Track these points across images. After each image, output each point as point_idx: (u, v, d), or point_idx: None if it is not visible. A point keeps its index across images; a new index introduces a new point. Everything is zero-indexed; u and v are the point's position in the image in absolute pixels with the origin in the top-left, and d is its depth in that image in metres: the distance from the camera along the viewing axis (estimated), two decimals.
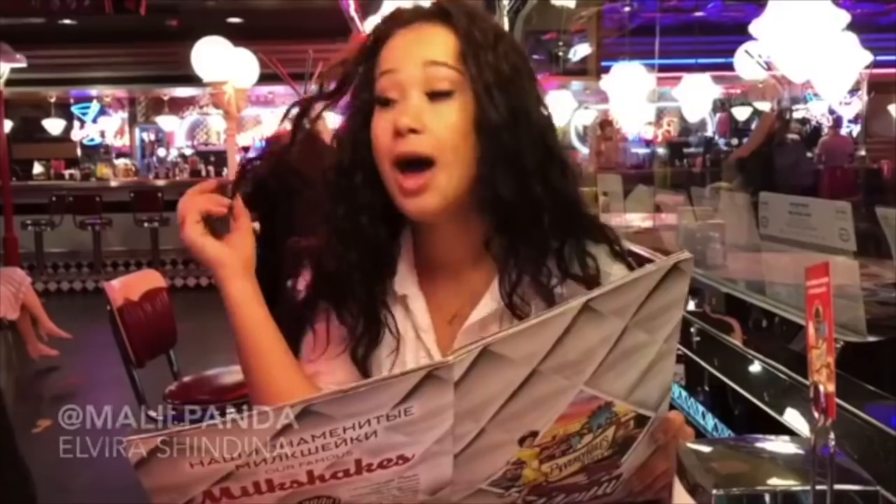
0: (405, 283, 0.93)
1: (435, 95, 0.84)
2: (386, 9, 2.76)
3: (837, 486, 0.62)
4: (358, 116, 0.88)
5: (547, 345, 0.60)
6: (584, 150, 10.02)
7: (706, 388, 1.89)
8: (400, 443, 0.58)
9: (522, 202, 0.86)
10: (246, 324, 0.89)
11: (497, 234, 0.89)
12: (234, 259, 0.89)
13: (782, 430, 1.37)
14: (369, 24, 2.81)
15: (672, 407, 0.75)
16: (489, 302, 0.90)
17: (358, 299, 0.91)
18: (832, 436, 0.59)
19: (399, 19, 0.89)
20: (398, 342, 0.92)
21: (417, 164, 0.84)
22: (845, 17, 2.90)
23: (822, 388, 0.59)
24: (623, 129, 9.27)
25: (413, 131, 0.83)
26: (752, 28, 3.00)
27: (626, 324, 0.63)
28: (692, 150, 9.82)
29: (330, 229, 0.92)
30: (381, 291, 0.93)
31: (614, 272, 0.92)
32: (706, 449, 0.86)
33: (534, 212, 0.87)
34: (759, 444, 0.93)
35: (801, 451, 0.81)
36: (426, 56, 0.85)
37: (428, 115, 0.84)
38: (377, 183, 0.88)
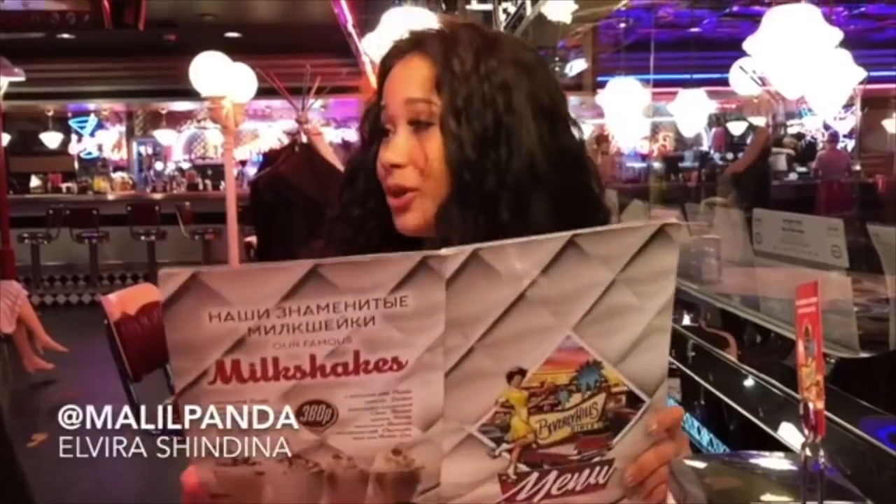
0: None
1: (416, 126, 0.86)
2: (384, 25, 2.78)
3: (828, 502, 0.63)
4: (370, 145, 0.92)
5: (534, 269, 0.63)
6: None
7: (702, 403, 1.89)
8: (395, 340, 0.62)
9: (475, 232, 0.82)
10: None
11: None
12: None
13: (777, 445, 1.37)
14: (367, 41, 2.83)
15: None
16: None
17: None
18: (822, 452, 0.60)
19: (395, 52, 0.91)
20: None
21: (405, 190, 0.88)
22: (838, 34, 2.93)
23: (811, 405, 0.60)
24: (618, 144, 9.32)
25: (395, 166, 0.86)
26: (747, 45, 3.02)
27: (614, 277, 0.66)
28: (687, 164, 9.85)
29: (337, 245, 0.93)
30: None
31: None
32: (700, 465, 0.87)
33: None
34: (752, 461, 0.94)
35: (793, 468, 0.82)
36: (406, 93, 0.87)
37: (412, 146, 0.86)
38: (379, 201, 0.91)
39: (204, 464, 0.66)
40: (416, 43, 0.89)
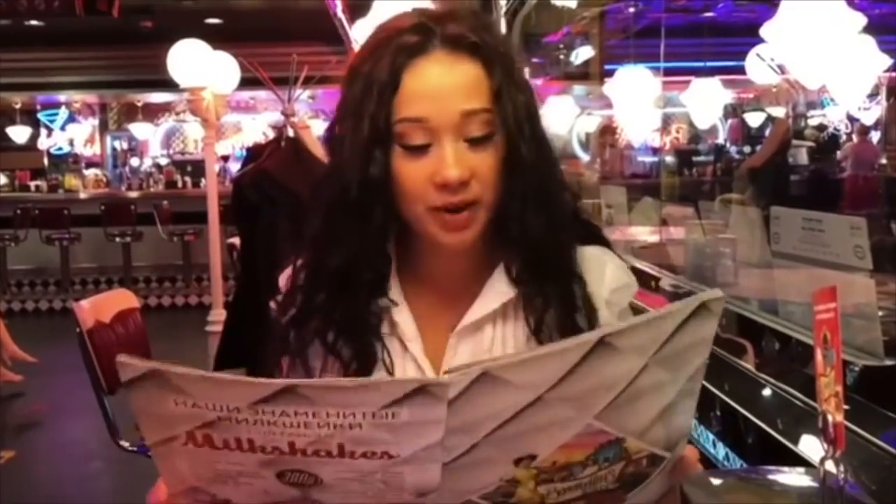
0: (392, 303, 0.97)
1: (473, 141, 0.88)
2: (375, 11, 2.78)
3: None
4: (362, 148, 0.89)
5: (555, 375, 0.61)
6: (585, 159, 10.07)
7: (717, 415, 1.90)
8: (385, 440, 0.60)
9: (551, 238, 0.93)
10: None
11: (520, 266, 0.95)
12: None
13: (797, 459, 1.38)
14: (358, 28, 2.83)
15: None
16: (484, 304, 0.95)
17: (346, 320, 0.94)
18: (842, 467, 0.60)
19: (416, 48, 0.89)
20: (387, 358, 0.95)
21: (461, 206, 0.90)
22: (861, 19, 2.93)
23: (830, 417, 0.61)
24: (626, 136, 9.32)
25: (463, 184, 0.88)
26: (764, 31, 3.02)
27: (647, 361, 0.64)
28: (702, 158, 9.86)
29: (319, 248, 0.94)
30: (372, 313, 0.96)
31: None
32: (716, 481, 0.87)
33: (560, 246, 0.94)
34: (769, 476, 0.94)
35: (813, 484, 0.82)
36: (463, 106, 0.87)
37: (470, 160, 0.88)
38: (387, 212, 0.92)
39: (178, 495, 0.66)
40: (463, 44, 0.89)
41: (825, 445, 0.62)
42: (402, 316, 0.96)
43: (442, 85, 0.88)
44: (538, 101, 0.95)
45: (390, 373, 0.93)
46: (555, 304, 0.93)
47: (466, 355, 0.93)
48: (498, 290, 0.95)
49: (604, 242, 1.02)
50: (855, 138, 9.70)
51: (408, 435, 0.60)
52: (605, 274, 0.97)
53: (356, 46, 5.75)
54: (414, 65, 0.88)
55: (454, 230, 0.90)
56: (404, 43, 0.89)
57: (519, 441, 0.63)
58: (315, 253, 0.96)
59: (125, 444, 2.93)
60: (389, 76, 0.88)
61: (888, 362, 1.41)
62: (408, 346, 0.95)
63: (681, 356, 0.66)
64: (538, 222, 0.92)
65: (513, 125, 0.89)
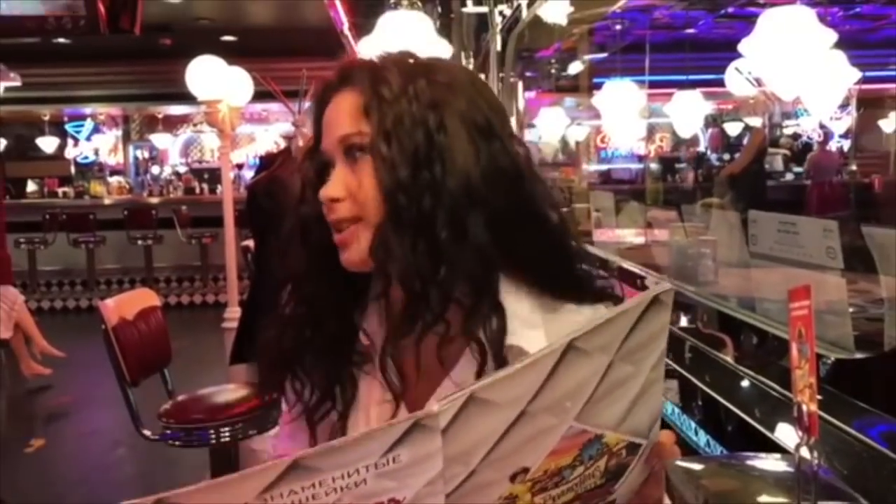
0: (369, 340, 0.93)
1: (352, 158, 0.87)
2: (380, 29, 2.78)
3: (822, 503, 0.63)
4: (317, 173, 0.91)
5: (534, 386, 0.61)
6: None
7: (699, 404, 1.90)
8: (390, 487, 0.59)
9: (418, 275, 0.81)
10: None
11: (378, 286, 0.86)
12: None
13: (774, 446, 1.38)
14: (363, 44, 2.83)
15: (665, 424, 0.76)
16: (448, 387, 0.86)
17: (325, 363, 0.92)
18: (816, 454, 0.60)
19: (325, 93, 0.91)
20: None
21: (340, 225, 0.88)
22: (833, 35, 2.93)
23: (805, 407, 0.61)
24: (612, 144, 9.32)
25: (335, 201, 0.86)
26: (742, 46, 3.03)
27: (612, 358, 0.64)
28: (683, 165, 9.86)
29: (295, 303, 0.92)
30: (350, 349, 0.93)
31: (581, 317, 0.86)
32: (696, 466, 0.87)
33: (438, 291, 0.82)
34: (747, 462, 0.95)
35: (789, 469, 0.82)
36: (338, 131, 0.87)
37: (350, 178, 0.86)
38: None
39: None
40: (343, 78, 0.89)
41: (800, 433, 0.62)
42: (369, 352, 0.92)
43: (328, 116, 0.89)
44: (438, 116, 0.84)
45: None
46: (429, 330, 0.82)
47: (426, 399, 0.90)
48: (465, 370, 0.85)
49: (600, 296, 0.88)
50: (817, 148, 9.74)
51: (410, 475, 0.59)
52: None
53: None
54: (328, 106, 0.91)
55: (341, 249, 0.87)
56: (325, 85, 0.92)
57: (512, 458, 0.62)
58: (285, 287, 0.94)
59: (147, 432, 2.93)
60: (316, 118, 0.93)
61: (858, 355, 1.41)
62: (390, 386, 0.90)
63: (642, 349, 0.67)
64: (403, 251, 0.81)
65: (379, 145, 0.83)
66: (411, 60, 0.90)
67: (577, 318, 0.84)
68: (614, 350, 0.64)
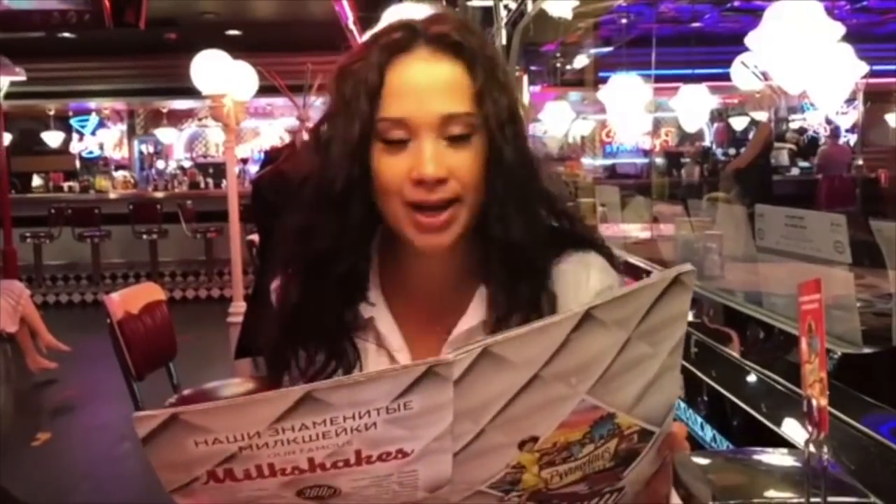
0: (372, 306, 0.92)
1: (453, 139, 0.83)
2: (385, 22, 2.76)
3: (832, 499, 0.63)
4: (349, 145, 0.85)
5: (549, 350, 0.61)
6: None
7: (705, 399, 1.90)
8: (399, 436, 0.59)
9: (531, 240, 0.87)
10: None
11: (493, 265, 0.88)
12: None
13: (780, 440, 1.38)
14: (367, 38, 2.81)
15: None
16: (474, 314, 0.89)
17: (326, 332, 0.90)
18: (825, 449, 0.60)
19: (399, 45, 0.85)
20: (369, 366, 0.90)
21: (440, 205, 0.84)
22: (840, 29, 2.92)
23: (815, 402, 0.60)
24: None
25: (440, 181, 0.83)
26: (748, 40, 3.02)
27: (629, 335, 0.64)
28: (687, 160, 9.80)
29: (297, 241, 0.89)
30: (351, 319, 0.91)
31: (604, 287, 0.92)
32: (703, 461, 0.87)
33: (538, 250, 0.88)
34: (755, 457, 0.94)
35: (796, 464, 0.82)
36: (443, 109, 0.83)
37: (449, 159, 0.83)
38: (367, 209, 0.87)
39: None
40: (445, 44, 0.85)
41: (810, 428, 0.61)
42: (386, 326, 0.91)
43: (422, 84, 0.84)
44: (521, 105, 0.91)
45: None
46: (520, 306, 0.87)
47: None
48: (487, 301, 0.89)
49: (591, 243, 0.95)
50: (827, 142, 9.69)
51: (420, 425, 0.59)
52: (588, 281, 0.91)
53: None
54: (397, 62, 0.84)
55: (430, 231, 0.84)
56: (389, 41, 0.85)
57: (521, 423, 0.62)
58: (293, 245, 0.90)
59: None
60: (375, 74, 0.84)
61: (866, 350, 1.40)
62: (395, 357, 0.90)
63: (660, 330, 0.66)
64: (518, 224, 0.86)
65: (494, 127, 0.84)
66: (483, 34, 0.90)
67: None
68: (633, 326, 0.64)
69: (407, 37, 0.85)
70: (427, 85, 0.84)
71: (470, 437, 0.61)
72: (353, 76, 0.85)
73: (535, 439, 0.63)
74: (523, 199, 0.87)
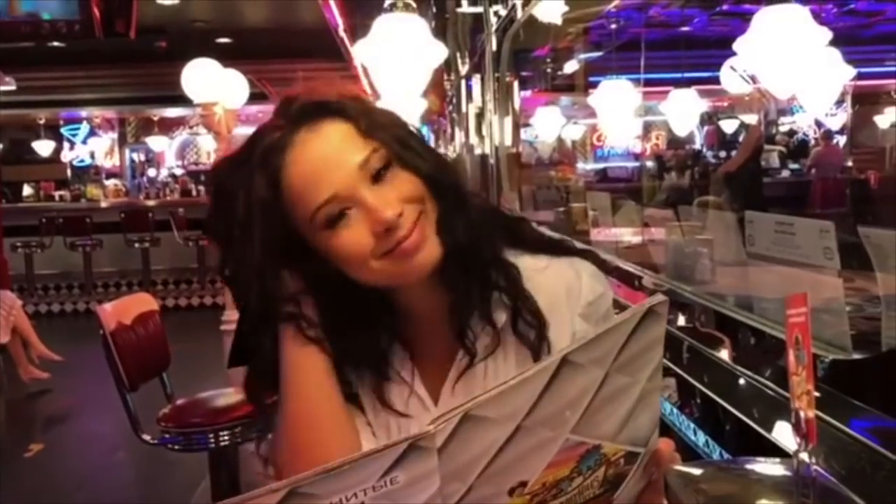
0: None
1: (378, 177, 0.85)
2: (375, 31, 2.78)
3: None
4: (276, 272, 0.86)
5: (529, 401, 0.61)
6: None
7: (697, 403, 1.90)
8: None
9: (471, 235, 0.90)
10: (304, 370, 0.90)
11: (452, 274, 0.91)
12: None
13: (772, 445, 1.38)
14: (359, 46, 2.82)
15: (663, 424, 0.76)
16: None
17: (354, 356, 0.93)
18: (814, 459, 0.60)
19: (280, 145, 0.86)
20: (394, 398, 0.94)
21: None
22: (828, 33, 2.94)
23: (802, 413, 0.61)
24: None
25: (399, 216, 0.84)
26: (737, 44, 3.03)
27: (607, 370, 0.64)
28: (671, 163, 9.77)
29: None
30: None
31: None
32: (695, 471, 0.88)
33: (481, 241, 0.92)
34: (746, 466, 0.95)
35: (788, 473, 0.82)
36: (353, 160, 0.84)
37: (389, 193, 0.85)
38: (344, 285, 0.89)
39: None
40: (305, 117, 0.87)
41: (798, 439, 0.62)
42: (399, 358, 0.94)
43: (323, 156, 0.84)
44: (401, 118, 0.93)
45: (396, 411, 0.93)
46: (477, 303, 0.91)
47: (462, 391, 0.92)
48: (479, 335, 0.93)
49: (574, 252, 0.98)
50: (820, 143, 9.72)
51: (408, 496, 0.59)
52: (581, 288, 0.94)
53: (357, 63, 5.77)
54: (287, 161, 0.85)
55: (411, 254, 0.85)
56: (266, 148, 0.86)
57: (509, 472, 0.62)
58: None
59: (146, 437, 2.93)
60: (269, 189, 0.84)
61: (856, 355, 1.41)
62: (406, 381, 0.94)
63: (637, 359, 0.66)
64: (460, 224, 0.89)
65: (398, 148, 0.86)
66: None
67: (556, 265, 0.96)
68: (609, 362, 0.64)
69: (281, 133, 0.87)
70: (327, 154, 0.85)
71: (459, 496, 0.61)
72: (246, 199, 0.85)
73: (524, 484, 0.63)
74: (455, 200, 0.90)
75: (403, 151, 0.87)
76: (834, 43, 3.42)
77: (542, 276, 0.93)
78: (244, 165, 0.86)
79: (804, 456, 0.62)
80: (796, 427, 0.61)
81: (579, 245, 1.00)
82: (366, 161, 0.84)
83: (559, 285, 0.93)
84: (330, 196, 0.83)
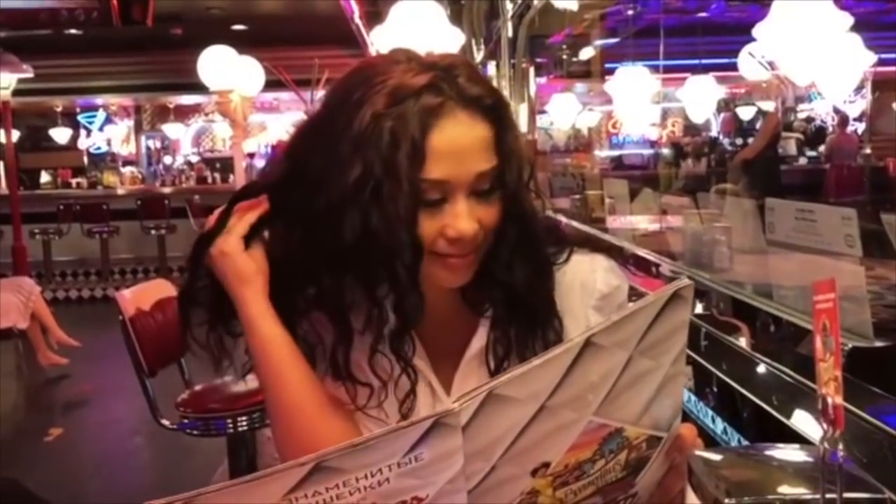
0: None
1: (480, 194, 0.87)
2: (392, 19, 2.77)
3: (847, 495, 0.63)
4: (410, 212, 0.84)
5: (553, 382, 0.61)
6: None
7: (714, 391, 1.90)
8: (413, 486, 0.60)
9: (531, 285, 0.91)
10: (269, 340, 0.91)
11: (495, 305, 0.93)
12: (262, 276, 0.92)
13: (791, 432, 1.38)
14: (375, 33, 2.82)
15: (682, 412, 0.76)
16: (482, 336, 0.94)
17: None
18: (841, 446, 0.60)
19: (437, 110, 0.84)
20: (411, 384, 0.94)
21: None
22: (848, 18, 2.91)
23: (830, 400, 0.61)
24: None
25: (474, 237, 0.87)
26: (755, 30, 3.00)
27: (631, 353, 0.65)
28: (688, 150, 9.70)
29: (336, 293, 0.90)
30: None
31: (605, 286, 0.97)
32: (717, 457, 0.87)
33: (539, 295, 0.92)
34: (768, 452, 0.95)
35: (810, 459, 0.82)
36: (478, 168, 0.85)
37: (478, 212, 0.87)
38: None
39: None
40: (474, 105, 0.86)
41: (825, 426, 0.61)
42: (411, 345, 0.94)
43: (462, 146, 0.85)
44: (529, 153, 0.95)
45: (409, 393, 0.94)
46: (518, 349, 0.92)
47: (474, 380, 0.92)
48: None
49: (596, 246, 0.99)
50: (836, 131, 9.63)
51: (432, 473, 0.59)
52: (595, 283, 0.96)
53: (373, 50, 5.76)
54: (437, 127, 0.84)
55: (456, 272, 0.89)
56: (426, 105, 0.84)
57: (532, 453, 0.63)
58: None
59: (165, 422, 2.95)
60: (419, 138, 0.83)
61: (877, 343, 1.40)
62: (423, 372, 0.94)
63: (661, 344, 0.67)
64: (522, 270, 0.91)
65: (516, 179, 0.88)
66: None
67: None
68: (633, 345, 0.64)
69: (442, 100, 0.85)
70: (466, 147, 0.85)
71: (483, 475, 0.61)
72: (392, 133, 0.83)
73: (546, 465, 0.64)
74: (528, 246, 0.91)
75: (517, 188, 0.89)
76: (854, 29, 3.37)
77: (558, 273, 0.95)
78: (395, 106, 0.84)
79: (831, 443, 0.61)
80: (823, 413, 0.61)
81: (608, 240, 1.00)
82: (484, 174, 0.86)
83: (574, 282, 0.95)
84: (443, 178, 0.84)
